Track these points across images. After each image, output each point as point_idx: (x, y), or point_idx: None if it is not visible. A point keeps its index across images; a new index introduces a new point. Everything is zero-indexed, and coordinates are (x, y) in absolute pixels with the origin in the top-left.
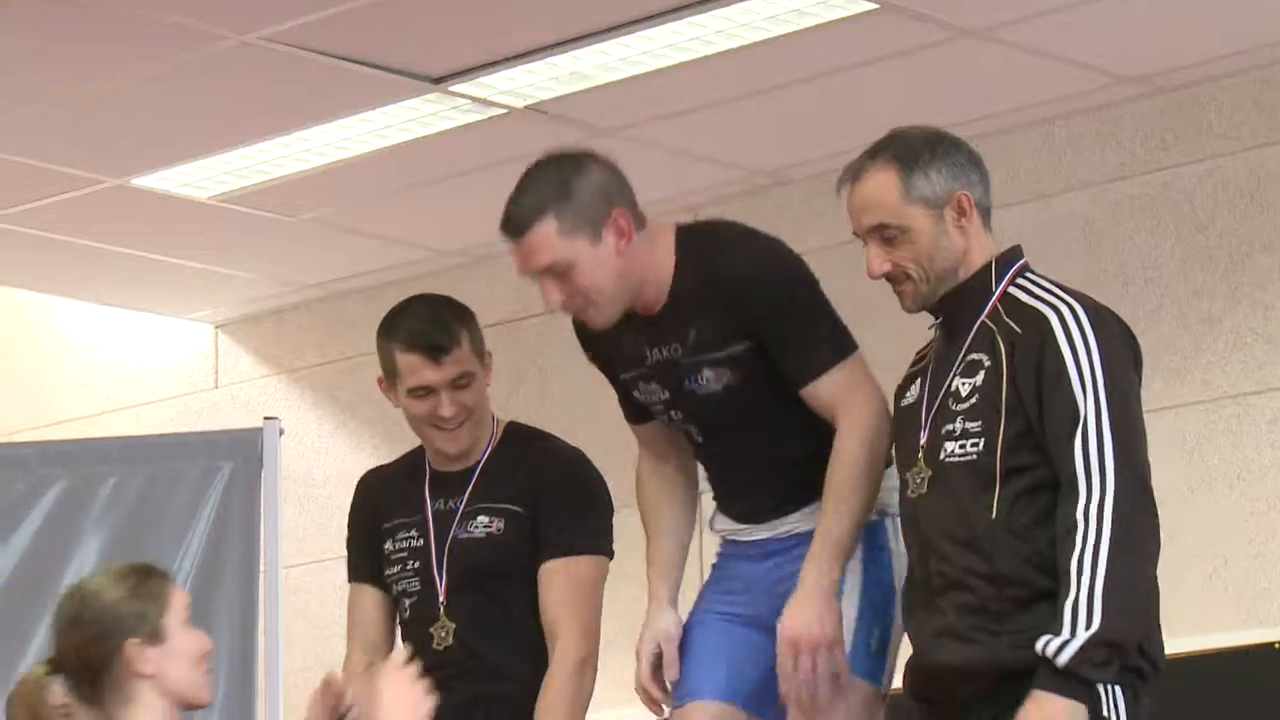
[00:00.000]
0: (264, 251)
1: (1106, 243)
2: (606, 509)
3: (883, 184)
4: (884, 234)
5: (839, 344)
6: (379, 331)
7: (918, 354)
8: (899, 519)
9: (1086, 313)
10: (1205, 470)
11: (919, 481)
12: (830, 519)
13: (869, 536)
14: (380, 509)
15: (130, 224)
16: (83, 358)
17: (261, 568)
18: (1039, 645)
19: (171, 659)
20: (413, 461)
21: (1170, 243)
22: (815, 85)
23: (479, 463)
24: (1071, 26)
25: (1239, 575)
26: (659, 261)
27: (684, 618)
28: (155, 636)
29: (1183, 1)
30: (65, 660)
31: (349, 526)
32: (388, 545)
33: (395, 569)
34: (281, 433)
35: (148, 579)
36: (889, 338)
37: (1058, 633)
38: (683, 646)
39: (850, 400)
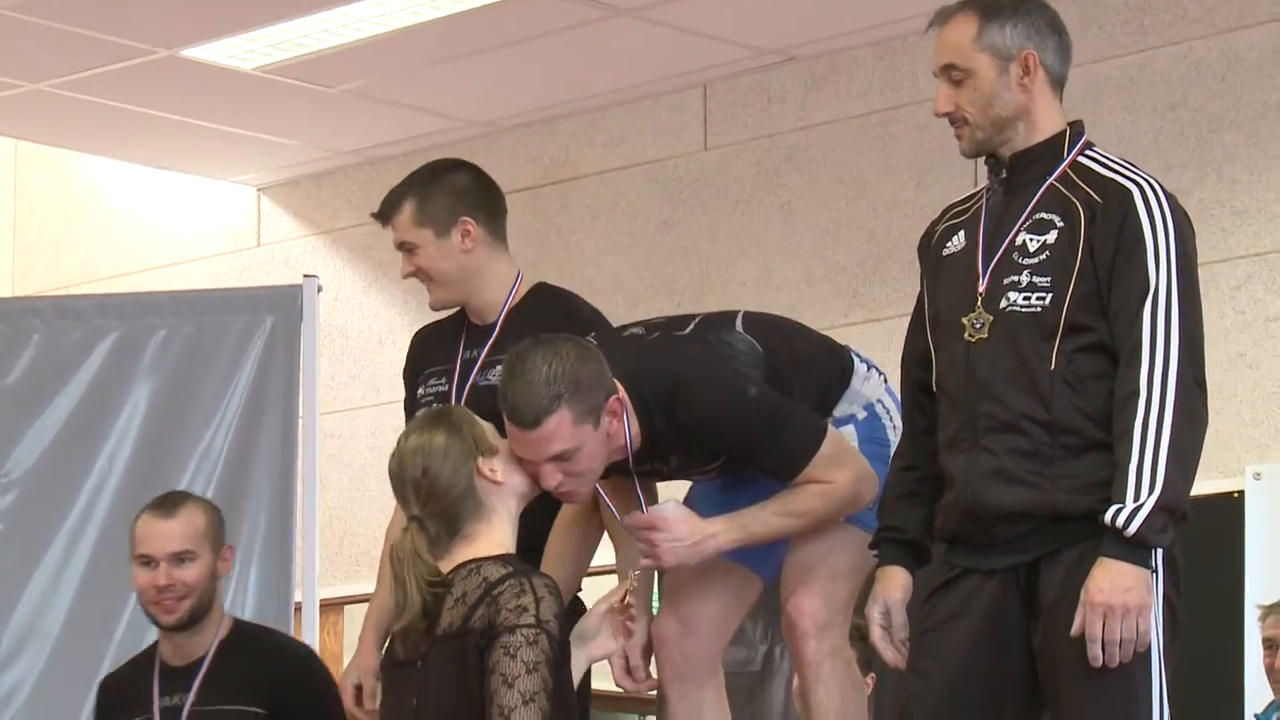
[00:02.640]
0: (304, 119)
1: (1085, 119)
2: None
3: (961, 29)
4: (952, 75)
5: (809, 436)
6: None
7: (951, 209)
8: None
9: (1164, 191)
10: None
11: (978, 326)
12: (762, 515)
13: (868, 429)
14: (422, 360)
15: (179, 92)
16: (133, 218)
17: (299, 414)
18: (1107, 516)
19: (509, 465)
20: (459, 315)
21: (1145, 120)
22: None
23: (499, 317)
24: None
25: None
26: (630, 425)
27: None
28: (490, 451)
29: None
30: (429, 508)
31: (404, 379)
32: (420, 390)
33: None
34: (319, 289)
35: (451, 412)
36: (882, 208)
37: (1122, 499)
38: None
39: (832, 477)
